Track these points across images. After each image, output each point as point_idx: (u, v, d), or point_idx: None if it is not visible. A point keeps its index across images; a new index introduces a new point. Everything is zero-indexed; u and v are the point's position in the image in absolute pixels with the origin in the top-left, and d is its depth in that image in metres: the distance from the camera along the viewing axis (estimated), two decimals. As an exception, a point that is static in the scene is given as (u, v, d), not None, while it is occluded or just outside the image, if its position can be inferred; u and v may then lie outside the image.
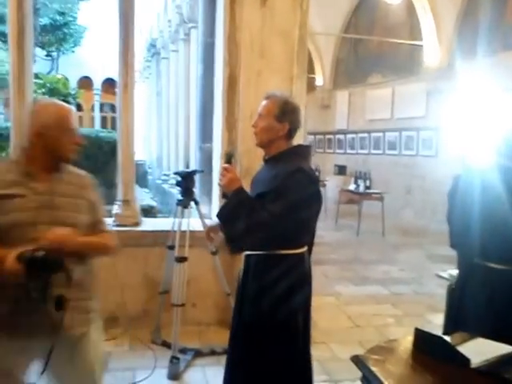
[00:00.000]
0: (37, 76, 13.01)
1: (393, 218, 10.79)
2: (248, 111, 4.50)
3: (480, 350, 2.02)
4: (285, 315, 2.53)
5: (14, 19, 4.49)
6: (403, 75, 12.30)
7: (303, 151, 2.75)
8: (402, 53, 12.30)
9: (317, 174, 11.62)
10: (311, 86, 15.09)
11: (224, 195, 2.56)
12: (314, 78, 15.85)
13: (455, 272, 3.43)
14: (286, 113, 2.58)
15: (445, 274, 3.79)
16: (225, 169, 2.54)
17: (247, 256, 2.66)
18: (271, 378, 2.59)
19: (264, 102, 2.66)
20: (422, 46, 11.33)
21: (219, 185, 2.58)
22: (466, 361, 1.94)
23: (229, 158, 2.64)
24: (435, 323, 4.86)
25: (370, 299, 5.96)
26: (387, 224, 10.19)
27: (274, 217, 2.36)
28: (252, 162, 4.37)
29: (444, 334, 2.45)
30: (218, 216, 2.60)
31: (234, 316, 2.81)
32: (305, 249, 2.63)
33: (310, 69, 14.65)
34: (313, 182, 2.56)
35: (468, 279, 2.96)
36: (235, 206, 2.48)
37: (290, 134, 2.62)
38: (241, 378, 2.68)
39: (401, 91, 12.47)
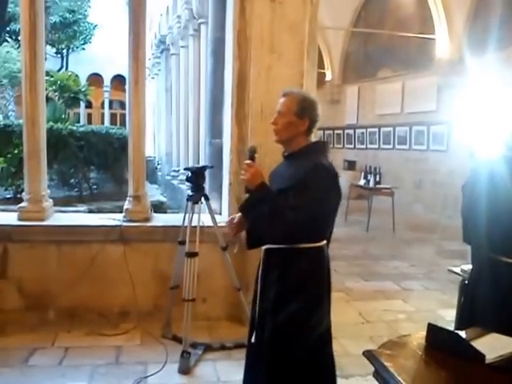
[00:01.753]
0: (48, 73, 13.04)
1: (403, 213, 10.75)
2: (258, 106, 4.49)
3: (494, 346, 2.01)
4: (305, 310, 2.55)
5: (25, 18, 4.51)
6: (413, 69, 12.23)
7: (322, 147, 2.79)
8: (412, 46, 12.22)
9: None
10: (321, 81, 15.03)
11: (247, 190, 2.59)
12: (323, 73, 15.80)
13: (467, 267, 3.42)
14: (305, 109, 2.62)
15: (457, 270, 3.76)
16: (247, 164, 2.58)
17: (266, 250, 2.69)
18: (293, 375, 2.59)
19: (282, 100, 2.69)
20: (432, 39, 11.25)
21: (242, 180, 2.60)
22: (480, 356, 1.93)
23: (252, 154, 2.65)
24: (447, 319, 4.84)
25: (381, 295, 5.94)
26: (397, 219, 10.15)
27: (297, 212, 2.40)
28: (262, 157, 4.33)
29: (456, 329, 2.44)
30: (240, 210, 2.67)
31: (252, 311, 2.82)
32: (324, 242, 2.65)
33: (320, 64, 14.57)
34: (333, 177, 2.59)
35: (481, 274, 2.94)
36: (258, 201, 2.52)
37: (310, 129, 2.67)
38: (263, 374, 2.68)
39: (411, 85, 12.40)
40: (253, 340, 2.74)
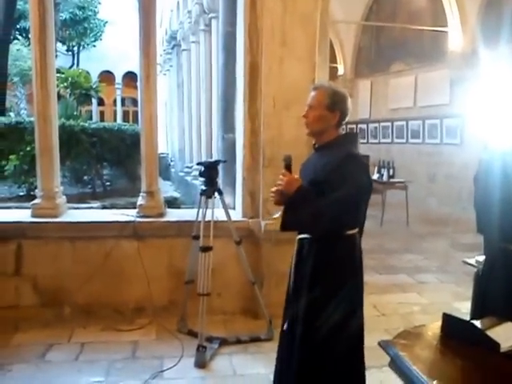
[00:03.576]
0: (59, 71, 13.08)
1: (417, 206, 10.69)
2: (270, 100, 4.49)
3: (509, 335, 2.00)
4: (338, 301, 2.58)
5: (35, 15, 4.53)
6: (426, 63, 12.13)
7: (352, 138, 2.90)
8: (424, 40, 12.11)
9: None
10: (333, 75, 14.95)
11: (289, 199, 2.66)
12: (335, 67, 15.72)
13: (482, 258, 3.40)
14: (336, 102, 2.69)
15: (472, 261, 3.75)
16: (282, 174, 2.66)
17: (300, 239, 2.75)
18: (326, 367, 2.63)
19: (313, 93, 2.75)
20: (444, 32, 11.15)
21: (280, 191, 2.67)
22: (495, 345, 1.93)
23: (287, 163, 2.70)
24: (462, 311, 4.80)
25: (395, 288, 5.92)
26: (411, 213, 10.10)
27: (337, 206, 2.49)
28: (275, 151, 4.37)
29: (471, 319, 2.43)
30: (282, 216, 2.70)
31: (289, 303, 2.84)
32: (356, 230, 2.70)
33: (332, 58, 14.48)
34: (364, 168, 2.69)
35: (494, 264, 2.94)
36: (298, 204, 2.59)
37: (340, 122, 2.73)
38: (294, 366, 2.71)
39: (424, 79, 12.30)
40: (285, 327, 2.78)
